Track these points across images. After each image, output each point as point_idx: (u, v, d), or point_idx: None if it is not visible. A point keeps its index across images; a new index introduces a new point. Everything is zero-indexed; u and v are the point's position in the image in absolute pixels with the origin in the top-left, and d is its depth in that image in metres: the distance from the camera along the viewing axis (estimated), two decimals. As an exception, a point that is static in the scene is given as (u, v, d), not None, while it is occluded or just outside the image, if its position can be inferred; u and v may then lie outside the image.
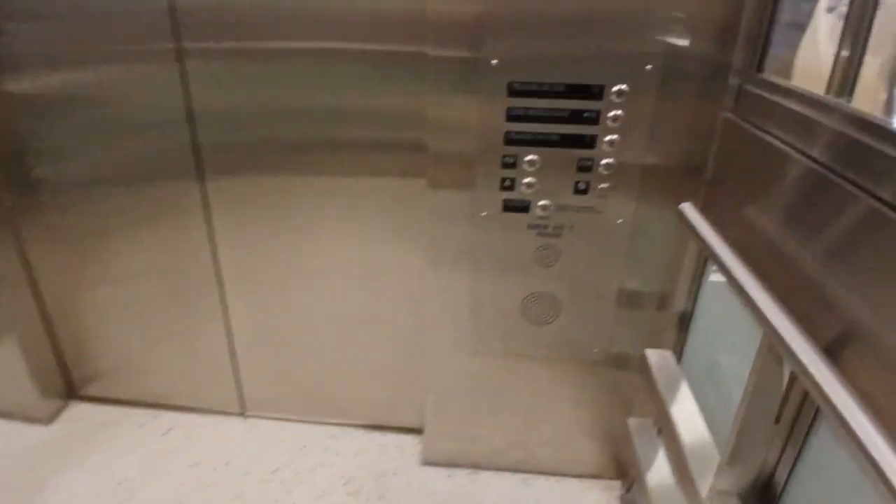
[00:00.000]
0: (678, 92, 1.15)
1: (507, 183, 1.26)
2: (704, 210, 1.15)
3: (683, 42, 1.11)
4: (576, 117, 1.18)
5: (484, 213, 1.30)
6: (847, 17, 0.95)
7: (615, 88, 1.15)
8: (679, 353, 1.34)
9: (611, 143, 1.19)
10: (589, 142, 1.20)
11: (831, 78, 0.90)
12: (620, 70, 1.13)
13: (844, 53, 0.89)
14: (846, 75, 0.92)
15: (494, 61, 1.14)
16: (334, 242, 1.47)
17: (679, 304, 1.34)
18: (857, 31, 0.89)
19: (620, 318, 1.38)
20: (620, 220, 1.28)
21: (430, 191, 1.29)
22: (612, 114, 1.17)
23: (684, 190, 1.22)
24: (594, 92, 1.16)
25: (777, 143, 0.95)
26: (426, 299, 1.42)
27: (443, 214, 1.31)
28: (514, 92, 1.17)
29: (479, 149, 1.24)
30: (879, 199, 0.68)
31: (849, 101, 0.86)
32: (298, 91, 1.30)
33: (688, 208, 1.13)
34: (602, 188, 1.24)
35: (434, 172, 1.27)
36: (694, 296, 1.31)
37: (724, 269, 0.98)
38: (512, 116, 1.19)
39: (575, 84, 1.15)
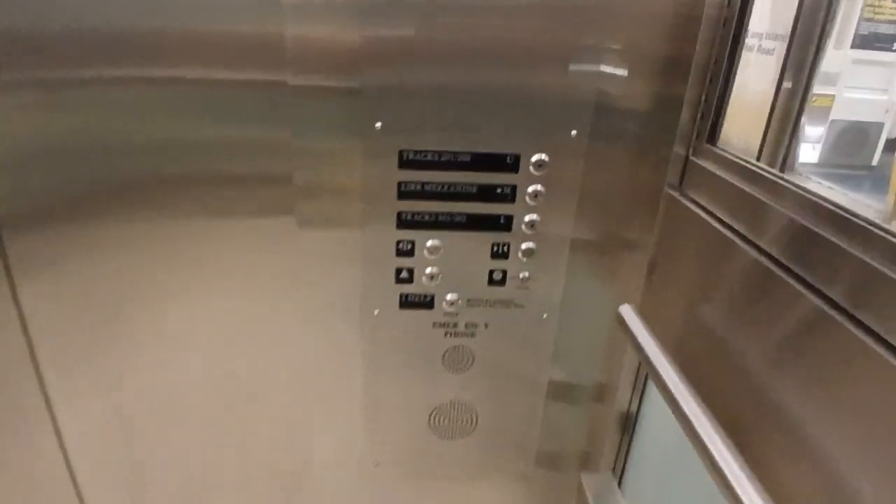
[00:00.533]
0: (611, 162, 0.92)
1: (405, 274, 0.98)
2: (643, 308, 0.93)
3: (617, 100, 0.88)
4: (487, 194, 0.93)
5: (377, 312, 1.01)
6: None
7: (534, 158, 0.90)
8: (621, 471, 1.10)
9: (531, 224, 0.95)
10: (504, 223, 0.95)
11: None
12: (539, 136, 0.89)
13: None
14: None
15: (378, 125, 0.87)
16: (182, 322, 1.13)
17: (620, 401, 1.10)
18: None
19: (550, 424, 1.13)
20: (546, 315, 1.03)
21: (304, 287, 0.99)
22: (531, 189, 0.92)
23: (619, 278, 1.00)
24: (508, 163, 0.91)
25: (722, 227, 0.75)
26: (311, 407, 1.11)
27: (325, 312, 1.01)
28: (406, 163, 0.90)
29: (366, 241, 0.95)
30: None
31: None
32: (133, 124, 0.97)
33: (627, 311, 0.89)
34: (522, 277, 0.99)
35: (304, 263, 0.97)
36: (639, 395, 1.08)
37: (665, 390, 0.75)
38: (406, 193, 0.92)
39: (484, 154, 0.90)
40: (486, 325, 1.03)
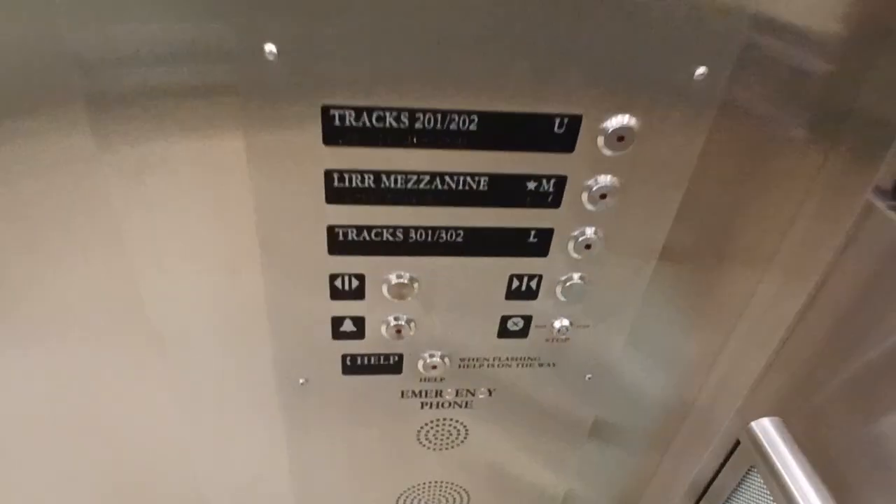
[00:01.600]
0: (761, 140, 0.46)
1: (349, 326, 0.54)
2: (794, 409, 0.52)
3: (790, 33, 0.40)
4: (507, 192, 0.46)
5: (302, 381, 0.58)
6: None
7: (611, 123, 0.43)
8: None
9: (586, 243, 0.50)
10: (537, 243, 0.50)
11: None
12: (624, 82, 0.41)
13: None
14: None
15: (270, 48, 0.38)
16: None
17: None
18: None
19: (578, 509, 0.76)
20: (589, 377, 0.61)
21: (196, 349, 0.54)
22: (596, 181, 0.46)
23: (743, 339, 0.57)
24: (556, 134, 0.44)
25: None
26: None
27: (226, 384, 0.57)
28: (340, 131, 0.42)
29: (272, 274, 0.49)
30: None
31: None
32: None
33: (766, 428, 0.47)
34: (560, 328, 0.56)
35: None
36: None
37: None
38: (342, 192, 0.45)
39: (506, 115, 0.42)
40: (491, 392, 0.62)
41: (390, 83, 0.40)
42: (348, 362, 0.57)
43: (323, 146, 0.42)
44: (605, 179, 0.46)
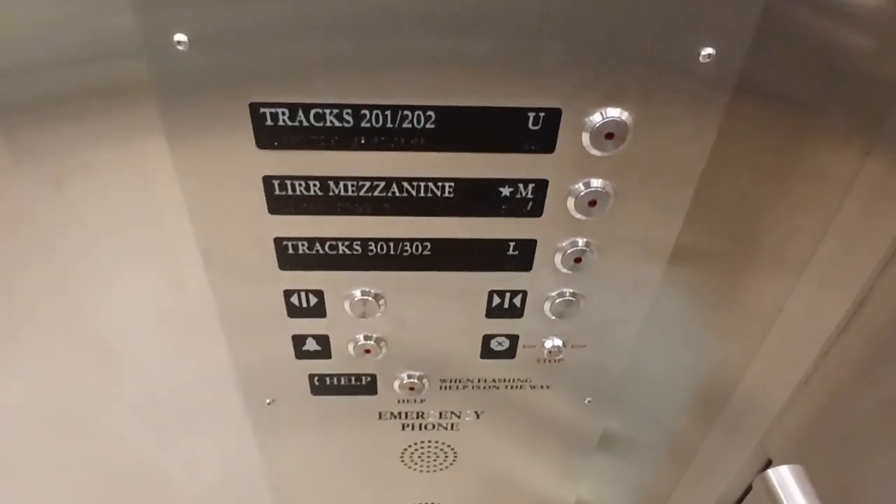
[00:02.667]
0: (793, 125, 0.38)
1: (311, 345, 0.49)
2: (816, 452, 0.44)
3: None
4: (481, 196, 0.40)
5: (269, 401, 0.53)
6: None
7: (594, 118, 0.36)
8: None
9: (576, 255, 0.42)
10: (519, 255, 0.43)
11: None
12: (614, 59, 0.34)
13: None
14: None
15: (179, 38, 0.32)
16: None
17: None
18: None
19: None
20: (589, 400, 0.54)
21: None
22: (586, 184, 0.39)
23: (760, 373, 0.50)
24: (531, 131, 0.37)
25: None
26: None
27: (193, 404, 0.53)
28: (272, 133, 0.36)
29: (220, 288, 0.44)
30: None
31: None
32: None
33: (784, 476, 0.40)
34: (551, 348, 0.49)
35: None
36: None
37: None
38: (282, 201, 0.39)
39: (471, 110, 0.36)
40: (478, 415, 0.56)
41: (327, 73, 0.34)
42: (316, 382, 0.52)
43: (257, 149, 0.36)
44: (594, 183, 0.39)
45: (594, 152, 0.37)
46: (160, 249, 0.43)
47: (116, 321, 0.47)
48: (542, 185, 0.39)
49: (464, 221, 0.41)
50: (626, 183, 0.39)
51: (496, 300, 0.46)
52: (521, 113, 0.36)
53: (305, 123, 0.35)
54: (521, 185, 0.39)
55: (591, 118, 0.36)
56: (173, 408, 0.55)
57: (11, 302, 0.45)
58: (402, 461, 0.61)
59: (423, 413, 0.55)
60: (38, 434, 0.53)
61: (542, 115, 0.36)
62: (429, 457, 0.60)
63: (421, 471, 0.62)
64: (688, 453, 0.63)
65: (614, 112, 0.36)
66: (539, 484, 0.64)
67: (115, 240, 0.42)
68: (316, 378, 0.51)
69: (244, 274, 0.43)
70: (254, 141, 0.36)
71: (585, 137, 0.37)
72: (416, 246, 0.42)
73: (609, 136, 0.36)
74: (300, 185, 0.38)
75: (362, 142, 0.36)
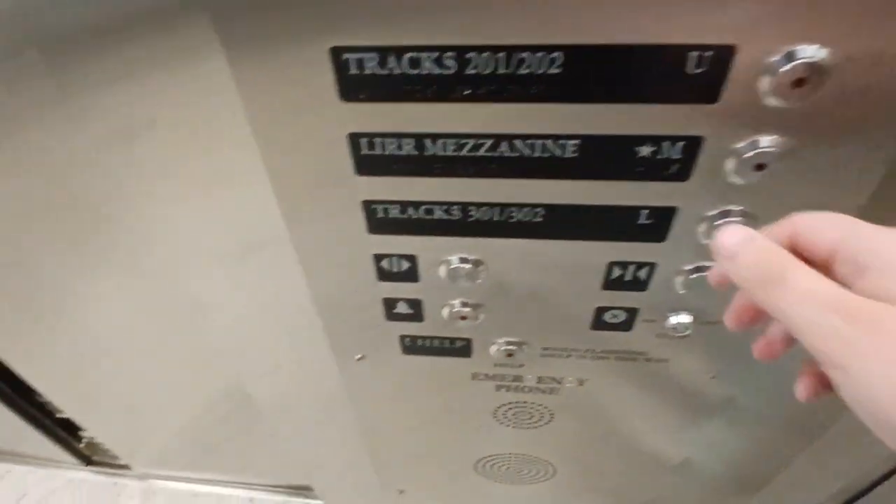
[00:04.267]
0: None
1: (403, 308, 0.44)
2: None
3: None
4: (612, 158, 0.32)
5: (359, 357, 0.51)
6: None
7: (790, 56, 0.26)
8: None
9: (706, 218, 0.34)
10: (652, 228, 0.35)
11: None
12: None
13: None
14: None
15: (243, -30, 0.25)
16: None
17: None
18: None
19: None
20: (714, 376, 0.48)
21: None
22: (750, 148, 0.30)
23: None
24: (694, 72, 0.27)
25: None
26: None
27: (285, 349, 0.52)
28: (357, 83, 0.29)
29: (304, 249, 0.40)
30: None
31: None
32: None
33: None
34: (676, 324, 0.42)
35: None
36: None
37: None
38: (371, 161, 0.33)
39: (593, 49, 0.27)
40: (581, 382, 0.51)
41: (425, 9, 0.26)
42: (407, 343, 0.48)
43: (341, 102, 0.30)
44: (767, 141, 0.30)
45: (774, 103, 0.28)
46: (236, 209, 0.39)
47: (204, 276, 0.45)
48: (694, 144, 0.30)
49: (588, 185, 0.33)
50: (810, 141, 0.30)
51: (616, 272, 0.39)
52: (680, 52, 0.27)
53: (398, 71, 0.28)
54: (665, 144, 0.31)
55: (774, 58, 0.26)
56: (262, 352, 0.54)
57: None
58: (495, 417, 0.58)
59: (520, 377, 0.51)
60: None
61: (708, 55, 0.27)
62: (523, 416, 0.57)
63: (514, 427, 0.59)
64: (813, 431, 0.55)
65: (811, 50, 0.26)
66: (643, 446, 0.60)
67: (193, 204, 0.38)
68: (407, 339, 0.48)
69: (329, 238, 0.39)
70: (336, 93, 0.30)
71: (765, 82, 0.27)
72: (527, 212, 0.35)
73: (799, 82, 0.27)
74: (391, 143, 0.32)
75: (467, 92, 0.29)
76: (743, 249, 0.23)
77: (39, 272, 0.50)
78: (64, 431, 1.00)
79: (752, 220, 0.33)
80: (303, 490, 0.94)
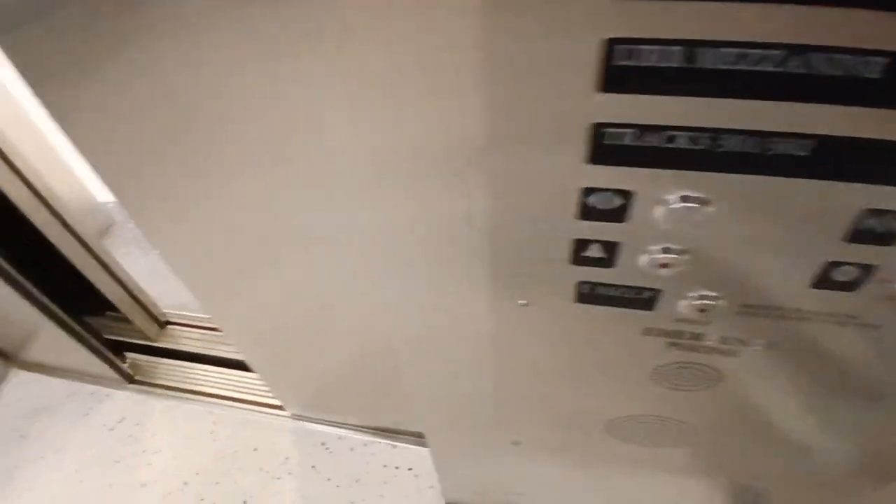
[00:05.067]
0: None
1: (595, 251, 0.41)
2: None
3: None
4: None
5: (523, 303, 0.48)
6: None
7: None
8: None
9: None
10: (941, 167, 0.30)
11: None
12: None
13: None
14: None
15: None
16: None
17: None
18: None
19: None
20: (940, 349, 0.42)
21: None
22: None
23: None
24: None
25: None
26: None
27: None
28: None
29: (502, 177, 0.37)
30: None
31: None
32: None
33: None
34: (919, 286, 0.37)
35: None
36: None
37: None
38: (625, 73, 0.29)
39: None
40: (771, 346, 0.46)
41: None
42: (585, 290, 0.45)
43: None
44: None
45: None
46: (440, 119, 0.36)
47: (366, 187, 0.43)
48: None
49: (883, 114, 0.28)
50: None
51: (868, 222, 0.34)
52: None
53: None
54: None
55: None
56: (417, 287, 0.51)
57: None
58: (652, 376, 0.54)
59: (701, 335, 0.47)
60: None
61: None
62: (686, 377, 0.53)
63: (669, 388, 0.55)
64: None
65: None
66: (804, 423, 0.55)
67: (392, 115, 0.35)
68: (587, 286, 0.44)
69: (535, 164, 0.35)
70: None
71: None
72: (793, 144, 0.30)
73: None
74: (654, 53, 0.28)
75: (776, -12, 0.24)
76: None
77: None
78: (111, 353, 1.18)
79: None
80: (413, 435, 0.94)
